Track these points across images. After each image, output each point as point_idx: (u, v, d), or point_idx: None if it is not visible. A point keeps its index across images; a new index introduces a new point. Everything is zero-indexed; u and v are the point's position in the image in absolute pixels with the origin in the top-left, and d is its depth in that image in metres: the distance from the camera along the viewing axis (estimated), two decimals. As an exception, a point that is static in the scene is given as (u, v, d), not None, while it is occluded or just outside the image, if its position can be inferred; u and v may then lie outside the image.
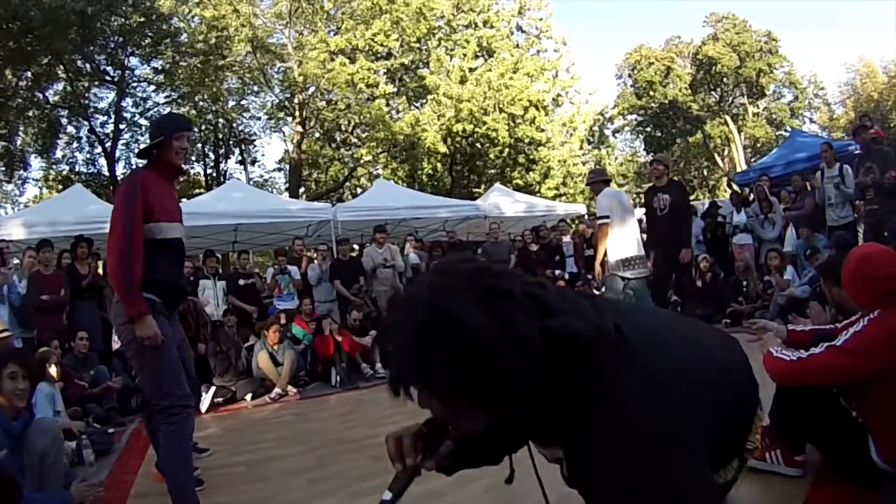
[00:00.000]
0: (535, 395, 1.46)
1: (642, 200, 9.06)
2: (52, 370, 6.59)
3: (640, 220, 9.32)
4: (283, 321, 9.45)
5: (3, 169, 28.80)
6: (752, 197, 11.88)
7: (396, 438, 1.81)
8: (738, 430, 1.85)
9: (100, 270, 9.94)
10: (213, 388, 8.10)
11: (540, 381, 1.43)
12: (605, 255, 7.85)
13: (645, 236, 8.89)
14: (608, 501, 1.52)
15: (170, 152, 3.83)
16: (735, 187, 18.12)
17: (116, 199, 3.75)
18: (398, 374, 1.44)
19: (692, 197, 32.90)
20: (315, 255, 11.88)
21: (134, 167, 3.74)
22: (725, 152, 42.65)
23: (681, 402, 1.49)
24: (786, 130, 35.34)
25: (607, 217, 7.76)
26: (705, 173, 46.86)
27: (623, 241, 7.78)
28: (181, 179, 4.33)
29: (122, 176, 26.38)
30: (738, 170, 31.62)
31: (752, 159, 36.67)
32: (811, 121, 45.97)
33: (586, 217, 16.97)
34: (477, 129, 26.98)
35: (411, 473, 1.78)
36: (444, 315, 1.34)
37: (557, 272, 12.05)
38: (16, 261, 10.71)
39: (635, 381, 1.48)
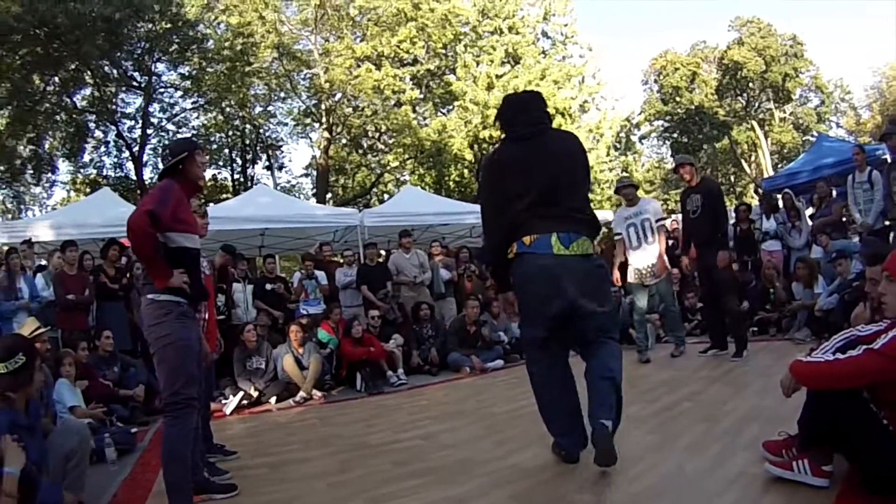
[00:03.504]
0: None
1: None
2: (69, 369, 6.66)
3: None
4: (304, 322, 9.50)
5: (32, 172, 29.12)
6: (780, 204, 11.72)
7: None
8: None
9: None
10: (240, 393, 8.15)
11: None
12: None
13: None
14: None
15: (193, 165, 4.02)
16: (762, 193, 17.97)
17: (150, 192, 4.00)
18: None
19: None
20: (342, 259, 11.90)
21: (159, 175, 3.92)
22: (752, 158, 42.44)
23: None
24: (812, 135, 35.11)
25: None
26: (732, 179, 46.58)
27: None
28: (198, 196, 4.50)
29: (149, 180, 26.65)
30: (765, 175, 31.39)
31: (779, 165, 36.45)
32: (838, 125, 45.79)
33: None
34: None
35: None
36: None
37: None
38: (43, 262, 10.85)
39: None
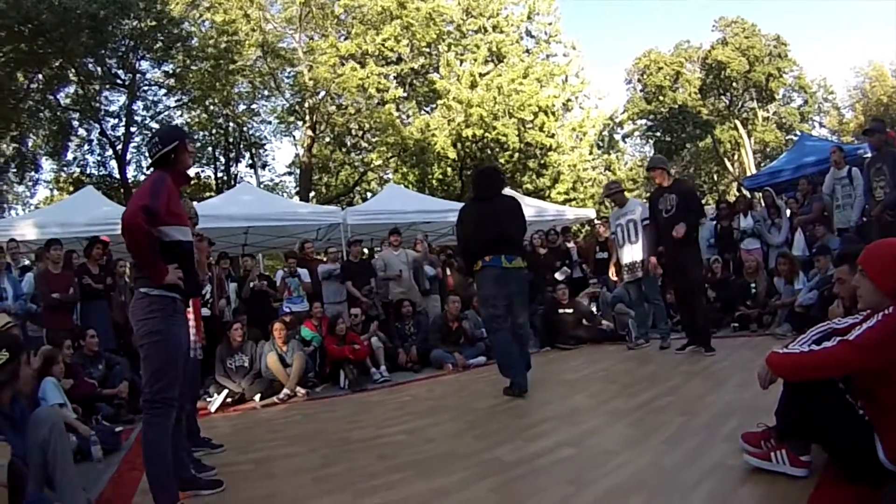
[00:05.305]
0: None
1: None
2: (60, 367, 6.65)
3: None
4: (288, 321, 9.51)
5: (15, 170, 29.04)
6: (759, 203, 11.80)
7: None
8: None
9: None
10: (224, 391, 8.17)
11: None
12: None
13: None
14: None
15: (184, 154, 3.97)
16: (745, 192, 18.04)
17: (143, 185, 3.89)
18: None
19: (702, 201, 32.88)
20: (325, 257, 11.89)
21: (147, 171, 3.94)
22: (735, 157, 42.63)
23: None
24: (795, 135, 35.23)
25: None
26: (715, 178, 46.82)
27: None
28: (185, 188, 4.44)
29: (133, 178, 26.57)
30: (748, 174, 31.55)
31: (762, 164, 36.63)
32: (821, 125, 46.06)
33: (596, 221, 16.90)
34: (487, 134, 26.97)
35: None
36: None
37: (564, 268, 11.98)
38: (26, 261, 10.80)
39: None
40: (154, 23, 23.89)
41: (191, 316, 4.69)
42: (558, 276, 11.61)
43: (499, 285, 6.65)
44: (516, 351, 6.72)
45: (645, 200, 9.38)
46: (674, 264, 8.27)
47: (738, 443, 3.70)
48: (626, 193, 9.63)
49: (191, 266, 3.98)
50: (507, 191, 7.74)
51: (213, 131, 31.28)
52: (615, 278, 9.60)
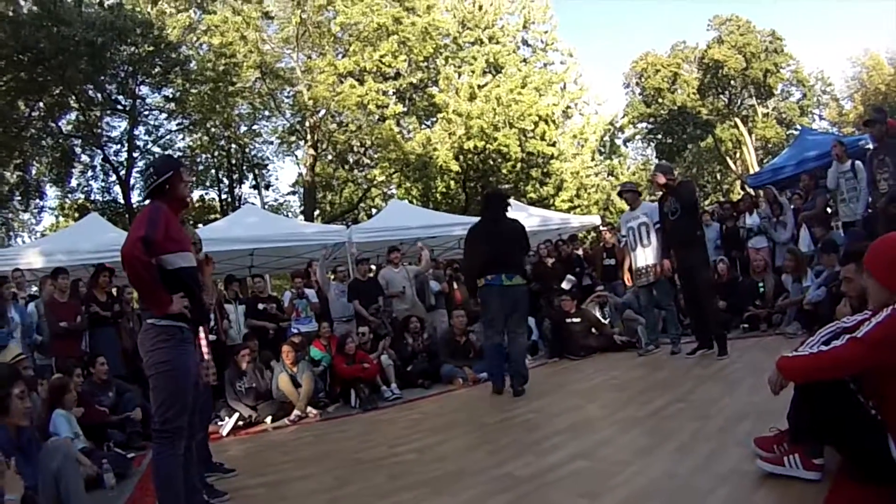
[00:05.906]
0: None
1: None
2: (71, 396, 6.64)
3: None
4: (297, 342, 9.49)
5: (19, 198, 29.12)
6: (762, 202, 11.81)
7: None
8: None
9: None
10: (236, 414, 8.15)
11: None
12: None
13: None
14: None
15: (180, 184, 4.00)
16: (749, 190, 18.02)
17: (138, 217, 3.92)
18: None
19: (706, 202, 32.78)
20: (333, 276, 11.86)
21: (144, 202, 4.04)
22: (737, 155, 42.67)
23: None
24: (796, 129, 35.23)
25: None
26: (718, 177, 46.85)
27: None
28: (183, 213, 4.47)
29: (137, 203, 26.64)
30: (751, 172, 31.51)
31: (764, 160, 36.57)
32: (821, 118, 46.15)
33: (601, 227, 16.88)
34: (488, 146, 27.03)
35: None
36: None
37: (571, 277, 11.98)
38: (34, 288, 10.81)
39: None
40: (152, 48, 24.00)
41: (202, 342, 4.70)
42: (564, 285, 11.58)
43: (500, 301, 7.54)
44: (503, 360, 7.83)
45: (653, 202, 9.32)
46: (681, 267, 8.27)
47: (751, 448, 3.67)
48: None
49: (197, 293, 3.99)
50: (511, 201, 8.09)
51: (216, 153, 31.33)
52: (630, 283, 9.55)
